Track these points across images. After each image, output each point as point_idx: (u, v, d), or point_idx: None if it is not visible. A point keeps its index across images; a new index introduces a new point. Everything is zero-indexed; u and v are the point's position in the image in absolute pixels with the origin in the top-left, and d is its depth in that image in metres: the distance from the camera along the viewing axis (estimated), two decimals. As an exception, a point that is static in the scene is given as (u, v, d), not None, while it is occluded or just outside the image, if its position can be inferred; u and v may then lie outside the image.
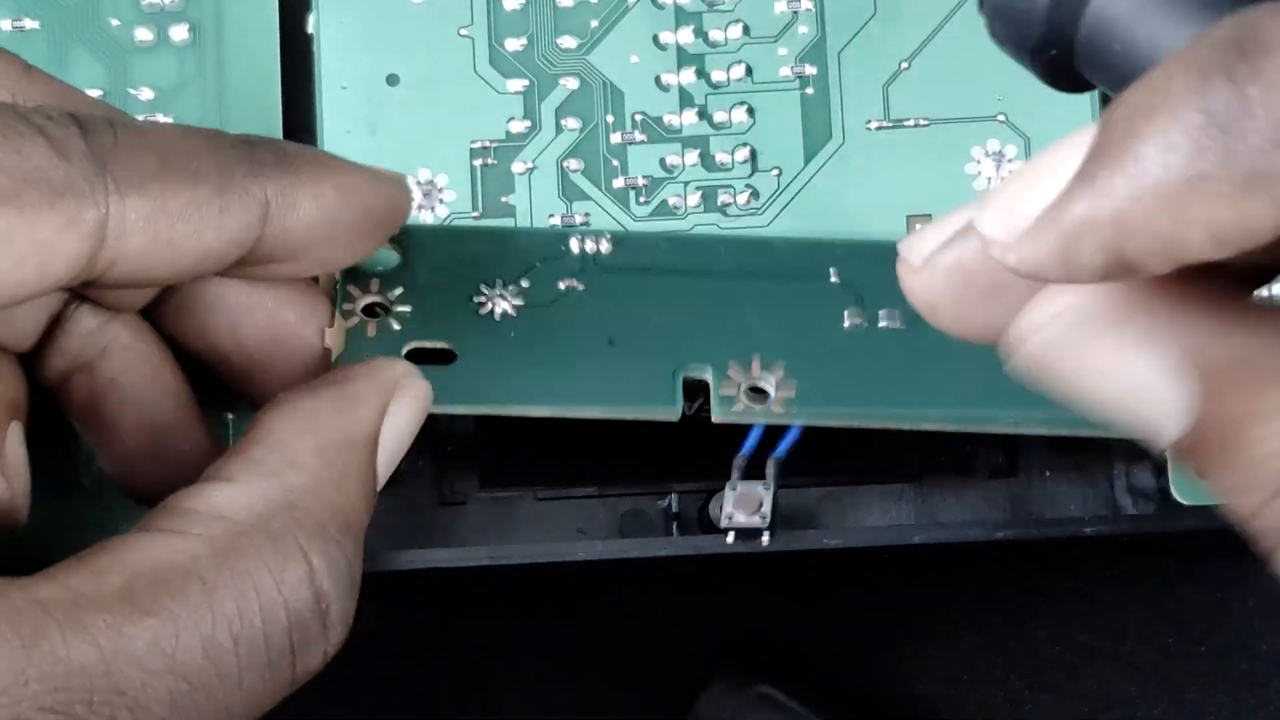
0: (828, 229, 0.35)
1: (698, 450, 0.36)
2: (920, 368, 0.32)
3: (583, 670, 0.39)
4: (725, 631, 0.39)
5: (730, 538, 0.32)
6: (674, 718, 0.39)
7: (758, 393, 0.32)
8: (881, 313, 0.33)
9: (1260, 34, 0.20)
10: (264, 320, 0.31)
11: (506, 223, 0.35)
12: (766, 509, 0.32)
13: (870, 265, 0.33)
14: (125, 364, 0.31)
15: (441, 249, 0.33)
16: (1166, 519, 0.34)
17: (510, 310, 0.32)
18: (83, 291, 0.30)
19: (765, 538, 0.32)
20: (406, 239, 0.33)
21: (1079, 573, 0.39)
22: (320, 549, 0.27)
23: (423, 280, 0.33)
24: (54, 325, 0.31)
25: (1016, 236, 0.21)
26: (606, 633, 0.39)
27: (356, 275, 0.32)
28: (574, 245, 0.33)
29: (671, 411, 0.32)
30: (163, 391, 0.31)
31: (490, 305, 0.32)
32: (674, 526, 0.35)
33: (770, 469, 0.32)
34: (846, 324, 0.33)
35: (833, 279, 0.33)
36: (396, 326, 0.32)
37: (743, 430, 0.33)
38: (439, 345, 0.32)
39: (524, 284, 0.33)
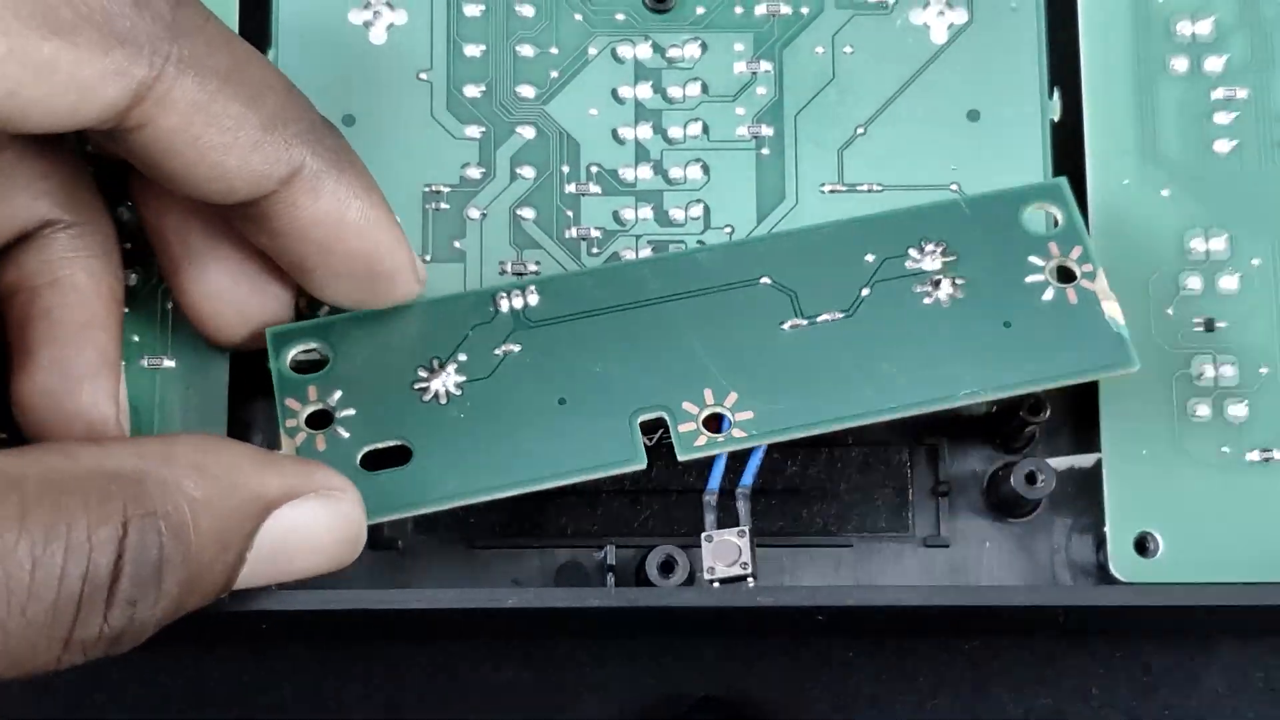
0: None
1: (636, 508, 0.36)
2: (869, 356, 0.32)
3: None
4: (695, 687, 0.39)
5: (715, 584, 0.32)
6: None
7: (715, 420, 0.32)
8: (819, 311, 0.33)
9: None
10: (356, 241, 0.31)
11: (455, 268, 0.35)
12: (746, 555, 0.31)
13: (795, 258, 0.33)
14: (67, 303, 0.31)
15: (366, 338, 0.33)
16: (1102, 594, 0.34)
17: (453, 389, 0.32)
18: (105, 143, 0.29)
19: (750, 582, 0.32)
20: (330, 334, 0.33)
21: (1041, 636, 0.39)
22: (140, 526, 0.26)
23: (357, 374, 0.32)
24: (25, 238, 0.31)
25: None
26: (577, 686, 0.39)
27: (290, 385, 0.32)
28: (502, 304, 0.33)
29: (637, 463, 0.31)
30: (89, 345, 0.31)
31: (432, 389, 0.32)
32: (610, 579, 0.35)
33: (741, 507, 0.32)
34: (787, 326, 0.33)
35: (763, 281, 0.33)
36: (345, 434, 0.32)
37: (683, 481, 0.33)
38: (391, 444, 0.32)
39: (460, 358, 0.32)
